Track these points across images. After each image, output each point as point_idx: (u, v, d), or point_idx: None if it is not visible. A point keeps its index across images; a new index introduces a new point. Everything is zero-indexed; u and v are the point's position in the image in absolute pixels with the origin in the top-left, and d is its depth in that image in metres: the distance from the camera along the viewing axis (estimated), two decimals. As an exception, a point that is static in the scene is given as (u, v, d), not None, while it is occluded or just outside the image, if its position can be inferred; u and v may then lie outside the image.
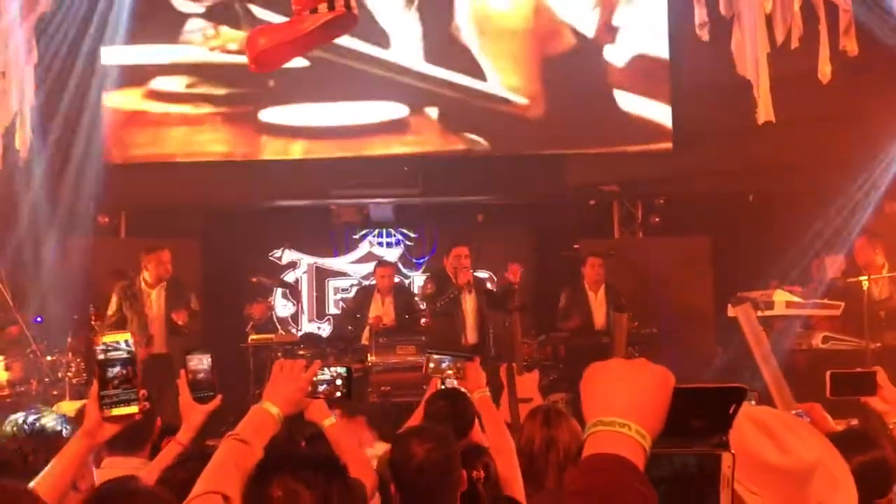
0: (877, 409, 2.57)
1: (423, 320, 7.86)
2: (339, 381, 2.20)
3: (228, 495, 1.72)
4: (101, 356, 1.98)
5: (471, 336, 7.25)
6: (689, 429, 1.07)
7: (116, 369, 1.97)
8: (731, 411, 1.08)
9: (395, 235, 10.35)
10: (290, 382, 2.07)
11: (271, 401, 2.03)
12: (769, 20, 6.43)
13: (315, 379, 2.15)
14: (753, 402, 3.09)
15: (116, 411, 1.96)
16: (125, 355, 1.98)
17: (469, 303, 7.28)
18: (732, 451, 1.08)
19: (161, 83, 8.60)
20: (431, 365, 3.38)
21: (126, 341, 1.99)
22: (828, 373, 2.63)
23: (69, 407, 4.60)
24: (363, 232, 10.39)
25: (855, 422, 3.46)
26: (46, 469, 1.99)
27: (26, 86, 6.88)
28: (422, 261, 10.29)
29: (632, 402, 1.04)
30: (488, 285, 8.26)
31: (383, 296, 7.79)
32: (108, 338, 1.99)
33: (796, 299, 7.00)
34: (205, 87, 8.63)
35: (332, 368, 2.21)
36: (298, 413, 2.63)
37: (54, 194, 8.41)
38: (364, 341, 7.45)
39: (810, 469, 1.67)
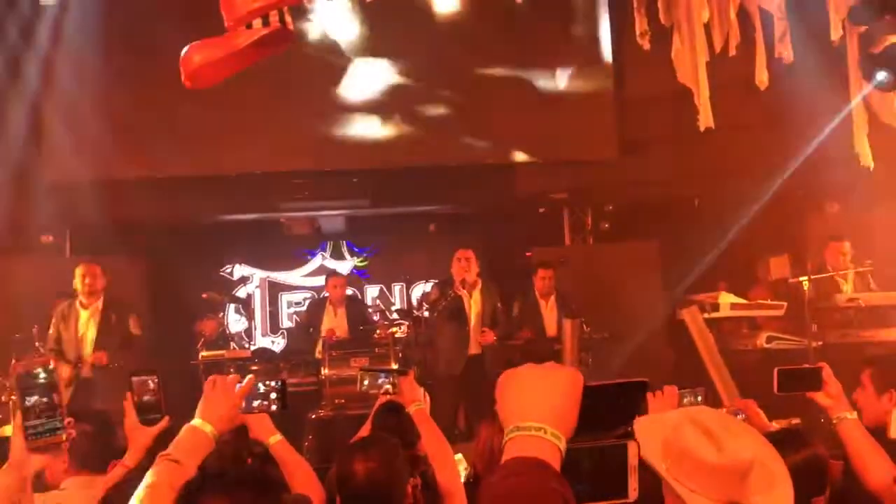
0: (822, 404, 2.64)
1: (377, 332, 7.83)
2: (273, 395, 2.17)
3: None
4: (21, 386, 1.92)
5: (474, 346, 7.08)
6: (599, 423, 1.14)
7: (37, 398, 1.91)
8: (636, 403, 1.16)
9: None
10: (224, 399, 2.04)
11: (204, 419, 2.00)
12: (707, 29, 6.58)
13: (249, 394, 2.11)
14: (700, 399, 3.16)
15: (42, 441, 1.91)
16: (45, 383, 1.92)
17: (473, 307, 7.09)
18: (637, 440, 1.15)
19: (106, 98, 8.43)
20: (366, 381, 3.37)
21: (45, 368, 1.93)
22: (775, 369, 2.70)
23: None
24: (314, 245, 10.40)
25: (796, 421, 3.53)
26: None
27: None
28: (366, 251, 10.32)
29: (545, 407, 1.10)
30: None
31: (336, 307, 7.75)
32: (27, 366, 1.93)
33: (741, 301, 7.16)
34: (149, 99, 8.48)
35: (267, 382, 2.19)
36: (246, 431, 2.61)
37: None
38: (317, 355, 7.40)
39: (747, 467, 1.72)
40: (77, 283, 6.62)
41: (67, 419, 1.94)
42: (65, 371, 6.33)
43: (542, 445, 1.06)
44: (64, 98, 8.33)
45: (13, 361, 6.93)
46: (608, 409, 1.13)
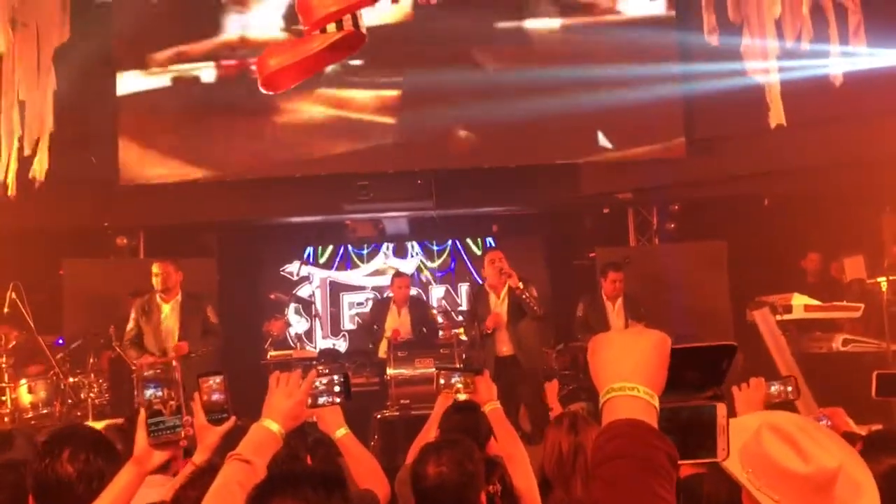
0: None
1: (440, 332, 7.85)
2: (336, 388, 2.18)
3: None
4: (147, 385, 2.04)
5: (502, 346, 7.11)
6: (686, 384, 1.17)
7: (161, 395, 2.03)
8: (723, 367, 1.18)
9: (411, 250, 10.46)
10: (289, 397, 2.03)
11: (271, 417, 2.00)
12: (778, 24, 6.42)
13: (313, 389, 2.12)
14: (790, 389, 3.04)
15: (164, 438, 2.02)
16: (167, 382, 2.05)
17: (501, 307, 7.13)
18: (725, 402, 1.18)
19: (174, 102, 8.65)
20: (442, 381, 3.39)
21: (166, 368, 2.05)
22: (874, 373, 2.63)
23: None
24: (377, 245, 10.47)
25: (878, 426, 3.41)
26: (98, 499, 2.00)
27: (45, 112, 6.95)
28: (438, 249, 10.38)
29: (636, 367, 1.14)
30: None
31: (399, 307, 7.79)
32: (151, 366, 2.06)
33: (815, 302, 6.95)
34: (217, 104, 8.67)
35: (329, 376, 2.21)
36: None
37: (72, 217, 8.52)
38: (382, 355, 7.46)
39: (832, 476, 1.67)
40: (154, 281, 6.82)
41: (186, 417, 2.03)
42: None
43: (638, 404, 1.10)
44: (137, 103, 8.58)
45: (91, 360, 7.20)
46: (695, 371, 1.16)
